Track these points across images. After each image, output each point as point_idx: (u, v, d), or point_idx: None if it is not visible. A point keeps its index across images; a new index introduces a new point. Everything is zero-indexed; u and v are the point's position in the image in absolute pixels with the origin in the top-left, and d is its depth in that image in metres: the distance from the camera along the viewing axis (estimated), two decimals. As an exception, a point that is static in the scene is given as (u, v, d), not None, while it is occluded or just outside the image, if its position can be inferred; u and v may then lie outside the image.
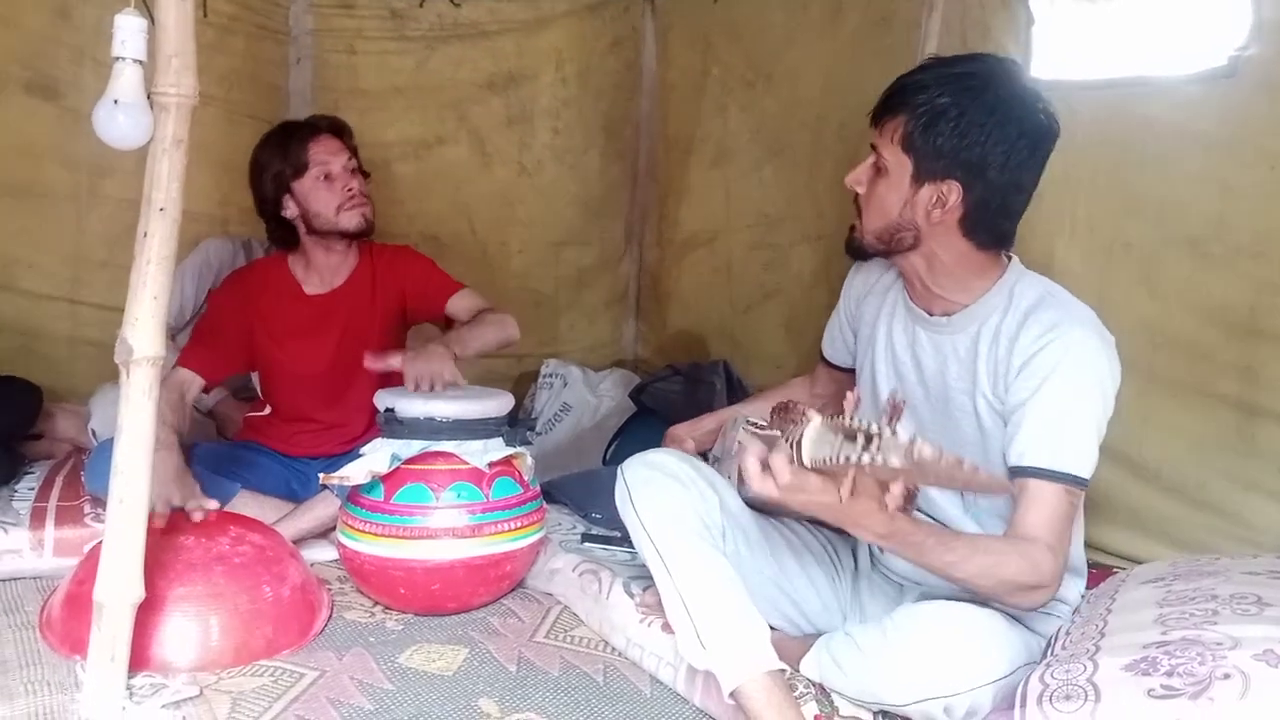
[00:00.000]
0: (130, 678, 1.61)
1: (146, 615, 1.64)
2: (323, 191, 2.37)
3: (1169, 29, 2.14)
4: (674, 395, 3.02)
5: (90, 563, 1.76)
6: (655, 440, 2.09)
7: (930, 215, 1.52)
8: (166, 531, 1.85)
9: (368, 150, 3.44)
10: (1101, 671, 1.26)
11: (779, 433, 1.38)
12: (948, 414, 1.63)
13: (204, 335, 2.41)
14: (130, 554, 1.57)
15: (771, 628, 1.55)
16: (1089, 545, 2.18)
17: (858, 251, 1.65)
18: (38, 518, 2.18)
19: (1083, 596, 1.69)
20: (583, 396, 3.37)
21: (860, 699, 1.49)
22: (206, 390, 2.46)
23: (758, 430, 1.65)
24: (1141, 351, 2.17)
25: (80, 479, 2.36)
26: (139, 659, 1.65)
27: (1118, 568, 2.03)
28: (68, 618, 1.79)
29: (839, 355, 1.92)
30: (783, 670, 1.48)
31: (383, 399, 2.10)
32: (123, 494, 1.55)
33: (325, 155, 2.37)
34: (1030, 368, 1.48)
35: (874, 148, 1.55)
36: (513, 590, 2.13)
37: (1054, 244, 2.31)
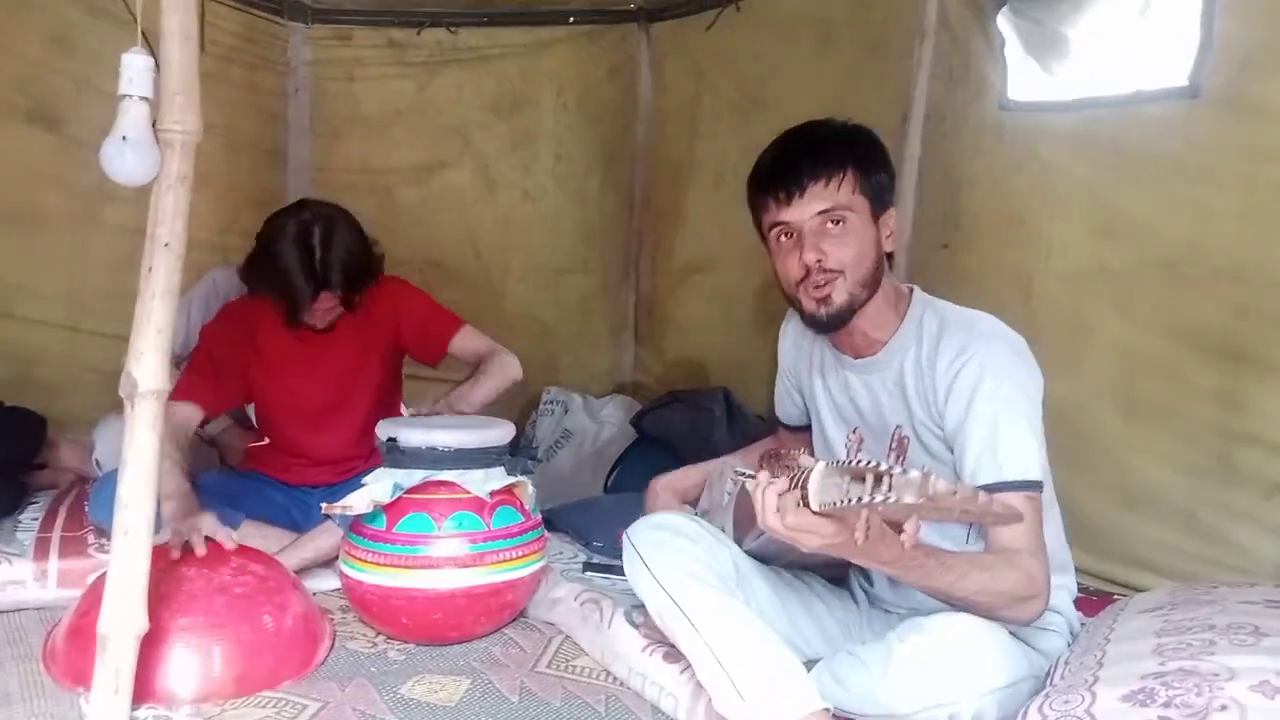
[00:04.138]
0: (134, 710, 1.62)
1: (149, 647, 1.64)
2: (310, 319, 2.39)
3: (1131, 50, 2.17)
4: (675, 422, 3.03)
5: (93, 594, 1.77)
6: (657, 468, 2.10)
7: (886, 243, 1.66)
8: (169, 563, 1.86)
9: (370, 176, 3.50)
10: (1100, 702, 1.26)
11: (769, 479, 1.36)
12: (887, 449, 1.66)
13: (202, 367, 2.40)
14: (134, 586, 1.57)
15: None
16: (1083, 571, 2.20)
17: (840, 316, 1.62)
18: (41, 549, 2.18)
19: (1083, 624, 1.70)
20: (583, 423, 3.38)
21: (865, 713, 1.48)
22: (207, 421, 2.46)
23: (747, 477, 1.66)
24: (1120, 376, 2.18)
25: (84, 509, 2.37)
26: (142, 691, 1.65)
27: (1118, 594, 2.03)
28: (71, 649, 1.80)
29: (792, 416, 1.96)
30: (827, 709, 1.44)
31: (385, 428, 2.12)
32: (127, 526, 1.56)
33: (315, 314, 2.35)
34: (954, 392, 1.55)
35: (829, 212, 1.58)
36: (514, 619, 2.13)
37: (1031, 267, 2.33)
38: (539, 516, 2.19)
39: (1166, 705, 1.20)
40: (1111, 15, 2.22)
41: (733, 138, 3.29)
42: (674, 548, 1.62)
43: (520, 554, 2.06)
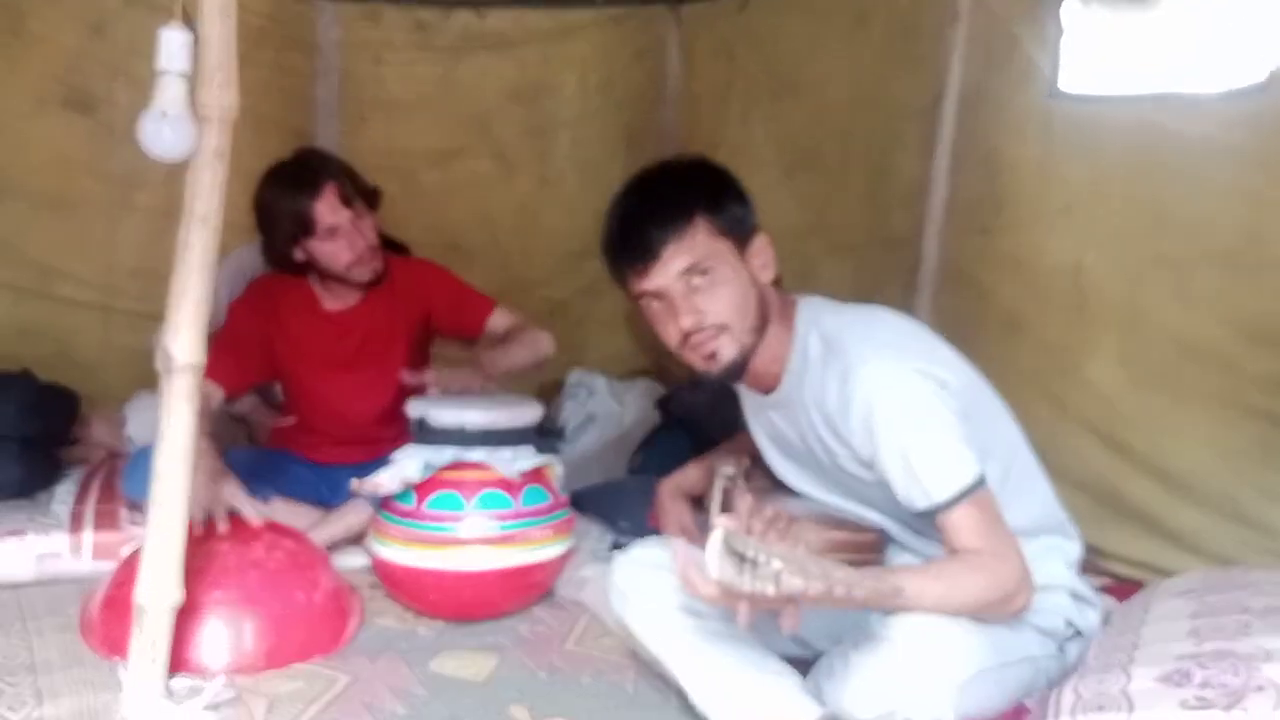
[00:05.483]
0: (169, 679, 1.64)
1: (183, 619, 1.66)
2: (330, 249, 2.35)
3: (1205, 45, 2.14)
4: (700, 406, 3.02)
5: (129, 566, 1.80)
6: (682, 451, 2.11)
7: (764, 274, 1.56)
8: (202, 537, 1.88)
9: (394, 159, 3.50)
10: (1135, 682, 1.26)
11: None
12: (833, 478, 1.63)
13: (224, 345, 2.35)
14: (170, 558, 1.60)
15: (795, 658, 1.58)
16: (1118, 557, 2.19)
17: (734, 369, 1.54)
18: (76, 521, 2.22)
19: (1108, 613, 1.68)
20: (608, 406, 3.38)
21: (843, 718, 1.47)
22: (230, 400, 2.46)
23: (728, 483, 1.65)
24: (1172, 364, 2.17)
25: (116, 484, 2.39)
26: (176, 661, 1.67)
27: (1147, 580, 2.02)
28: (107, 620, 1.83)
29: None
30: (822, 716, 1.45)
31: (415, 407, 2.13)
32: (163, 498, 1.58)
33: (330, 214, 2.32)
34: (851, 424, 1.48)
35: (692, 269, 1.49)
36: (542, 598, 2.15)
37: (1084, 256, 2.31)
38: (567, 497, 2.20)
39: (1203, 686, 1.20)
40: (1182, 8, 2.19)
41: (766, 121, 3.27)
42: (656, 583, 1.59)
43: (549, 534, 2.07)
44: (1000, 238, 2.50)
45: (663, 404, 3.19)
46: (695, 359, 1.54)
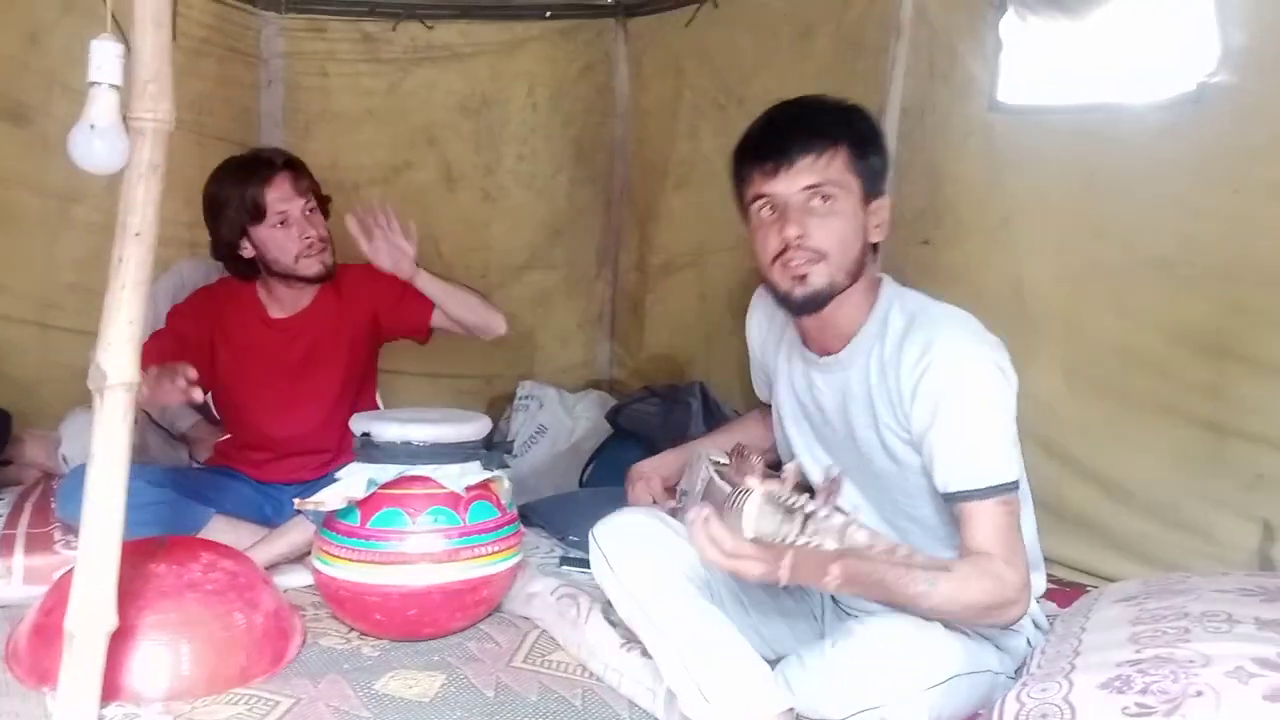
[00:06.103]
0: (102, 708, 1.59)
1: (117, 644, 1.61)
2: (280, 238, 2.32)
3: (1138, 56, 2.19)
4: (650, 417, 3.03)
5: (58, 591, 1.74)
6: (632, 462, 2.09)
7: (875, 233, 1.59)
8: (137, 559, 1.82)
9: (339, 173, 3.46)
10: (1077, 690, 1.27)
11: (731, 486, 1.36)
12: (858, 451, 1.65)
13: (161, 340, 2.32)
14: (103, 582, 1.55)
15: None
16: (1061, 563, 2.23)
17: (816, 299, 1.55)
18: (6, 545, 2.15)
19: (1052, 619, 1.71)
20: (559, 418, 3.37)
21: (809, 715, 1.48)
22: None
23: (720, 467, 1.65)
24: (1112, 372, 2.21)
25: (50, 506, 2.33)
26: (110, 689, 1.62)
27: (1090, 586, 2.05)
28: (36, 648, 1.76)
29: (768, 395, 1.94)
30: (790, 710, 1.44)
31: (359, 423, 2.09)
32: (96, 519, 1.54)
33: (282, 202, 2.30)
34: (919, 395, 1.50)
35: (818, 188, 1.52)
36: (490, 615, 2.12)
37: (1024, 265, 2.36)
38: (515, 511, 2.18)
39: (1143, 692, 1.22)
40: (1116, 21, 2.23)
41: (713, 135, 3.28)
42: (639, 550, 1.61)
43: (496, 549, 2.05)
44: (942, 249, 2.53)
45: (613, 416, 3.18)
46: (783, 277, 1.56)
